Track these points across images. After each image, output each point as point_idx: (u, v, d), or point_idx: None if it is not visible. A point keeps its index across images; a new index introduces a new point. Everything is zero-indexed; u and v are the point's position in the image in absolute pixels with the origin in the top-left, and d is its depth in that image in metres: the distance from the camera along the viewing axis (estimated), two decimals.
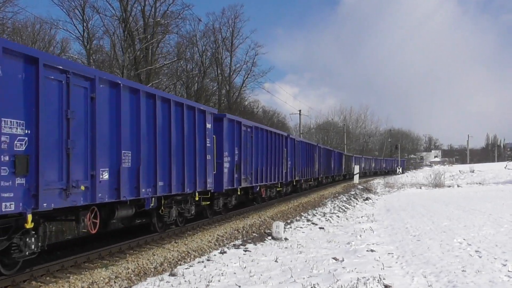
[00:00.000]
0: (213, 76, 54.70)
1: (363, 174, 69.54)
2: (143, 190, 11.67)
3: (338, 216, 21.89)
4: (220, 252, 12.53)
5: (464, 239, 13.78)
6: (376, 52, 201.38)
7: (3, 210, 7.62)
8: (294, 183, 30.85)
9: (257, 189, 21.73)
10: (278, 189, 26.59)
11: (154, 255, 11.64)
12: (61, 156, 8.96)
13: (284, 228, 15.95)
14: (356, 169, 56.51)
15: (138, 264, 10.67)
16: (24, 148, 8.03)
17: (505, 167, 69.06)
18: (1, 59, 7.60)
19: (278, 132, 25.91)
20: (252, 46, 61.16)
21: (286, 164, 26.88)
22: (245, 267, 10.81)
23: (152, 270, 10.60)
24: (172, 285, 9.24)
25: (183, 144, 13.71)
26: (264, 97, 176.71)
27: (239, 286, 9.15)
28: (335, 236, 15.94)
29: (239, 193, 19.31)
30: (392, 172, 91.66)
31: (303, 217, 20.61)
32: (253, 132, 20.74)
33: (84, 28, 38.67)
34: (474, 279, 9.09)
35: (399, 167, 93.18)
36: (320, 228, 17.96)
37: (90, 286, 8.94)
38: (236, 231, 15.99)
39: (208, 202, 16.36)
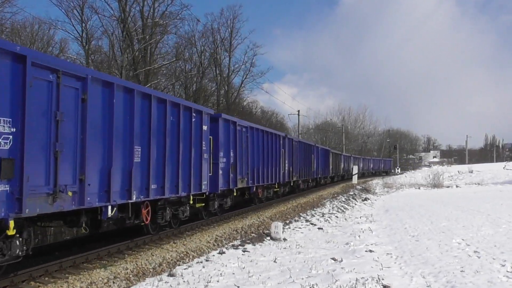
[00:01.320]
0: (212, 76, 54.79)
1: (346, 176, 60.65)
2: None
3: (337, 217, 21.89)
4: (219, 253, 12.53)
5: (463, 240, 13.79)
6: (375, 52, 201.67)
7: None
8: (246, 194, 21.62)
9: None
10: (197, 205, 15.94)
11: (153, 255, 11.64)
12: None
13: (283, 228, 15.95)
14: (355, 169, 56.19)
15: (136, 264, 10.68)
16: None
17: (503, 168, 69.16)
18: None
19: (189, 106, 14.36)
20: (251, 46, 61.37)
21: (217, 161, 16.97)
22: (243, 268, 10.81)
23: (151, 270, 10.60)
24: (171, 285, 9.24)
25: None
26: (263, 97, 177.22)
27: (238, 287, 9.15)
28: (334, 236, 15.94)
29: None
30: (379, 174, 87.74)
31: (301, 218, 20.61)
32: (114, 96, 10.49)
33: (83, 28, 38.69)
34: (472, 280, 9.09)
35: (398, 167, 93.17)
36: (318, 228, 17.96)
37: (89, 287, 8.94)
38: (235, 232, 16.00)
39: None
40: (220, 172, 17.19)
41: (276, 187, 26.46)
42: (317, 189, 39.69)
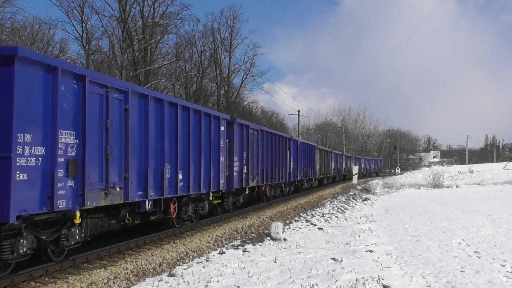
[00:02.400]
0: (212, 76, 54.82)
1: (338, 178, 55.01)
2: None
3: (337, 217, 21.89)
4: (219, 253, 12.53)
5: (463, 240, 13.79)
6: (375, 52, 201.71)
7: None
8: (127, 217, 12.15)
9: None
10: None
11: (153, 255, 11.64)
12: None
13: (283, 228, 15.95)
14: (355, 169, 56.01)
15: (137, 264, 10.68)
16: None
17: (504, 168, 69.07)
18: None
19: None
20: (251, 46, 61.43)
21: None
22: (244, 268, 10.81)
23: (151, 270, 10.60)
24: (171, 285, 9.24)
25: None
26: (264, 97, 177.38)
27: (238, 287, 9.15)
28: (334, 236, 15.94)
29: None
30: (369, 175, 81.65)
31: (302, 218, 20.60)
32: None
33: (83, 28, 38.71)
34: (473, 280, 9.09)
35: (398, 167, 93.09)
36: (319, 228, 17.96)
37: (89, 287, 8.94)
38: (235, 232, 16.00)
39: None
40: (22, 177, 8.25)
41: (213, 198, 16.98)
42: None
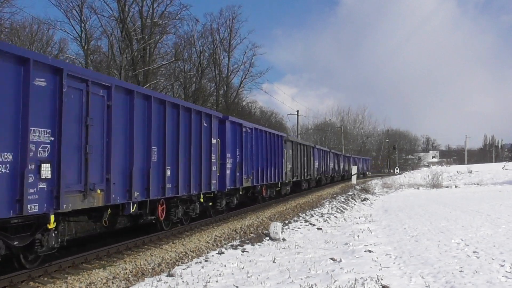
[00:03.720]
0: (211, 76, 54.85)
1: (325, 181, 45.27)
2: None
3: (336, 217, 21.90)
4: (218, 253, 12.54)
5: (462, 240, 13.79)
6: (375, 52, 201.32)
7: None
8: None
9: None
10: None
11: (152, 255, 11.64)
12: None
13: (282, 228, 15.96)
14: (354, 169, 56.01)
15: (135, 264, 10.68)
16: None
17: (503, 168, 69.11)
18: None
19: None
20: (250, 46, 61.60)
21: None
22: (242, 268, 10.81)
23: (150, 270, 10.60)
24: (170, 285, 9.24)
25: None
26: (263, 97, 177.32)
27: (237, 287, 9.15)
28: (333, 236, 15.95)
29: None
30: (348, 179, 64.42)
31: (301, 218, 20.61)
32: None
33: (82, 28, 38.71)
34: (472, 280, 9.10)
35: (397, 167, 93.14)
36: (318, 228, 17.97)
37: (88, 287, 8.94)
38: (234, 232, 16.01)
39: None
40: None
41: None
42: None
